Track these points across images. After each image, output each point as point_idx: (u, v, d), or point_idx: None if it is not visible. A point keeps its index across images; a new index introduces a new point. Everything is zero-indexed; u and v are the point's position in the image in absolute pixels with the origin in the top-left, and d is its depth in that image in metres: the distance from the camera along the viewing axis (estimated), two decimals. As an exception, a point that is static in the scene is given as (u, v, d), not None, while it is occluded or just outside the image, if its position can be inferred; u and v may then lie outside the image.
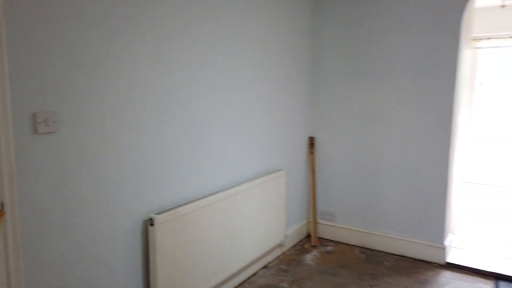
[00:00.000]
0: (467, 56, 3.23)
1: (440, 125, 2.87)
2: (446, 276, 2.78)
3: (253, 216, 2.64)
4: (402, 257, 3.08)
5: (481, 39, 4.96)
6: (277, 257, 3.06)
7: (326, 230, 3.45)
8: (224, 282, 2.49)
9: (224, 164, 2.46)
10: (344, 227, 3.36)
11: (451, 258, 2.98)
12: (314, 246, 3.29)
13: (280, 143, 3.03)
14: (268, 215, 2.80)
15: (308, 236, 3.49)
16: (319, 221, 3.48)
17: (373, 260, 3.03)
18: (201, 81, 2.23)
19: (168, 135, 2.04)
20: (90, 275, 1.72)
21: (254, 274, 2.78)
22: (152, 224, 1.89)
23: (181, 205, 2.08)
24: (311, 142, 3.42)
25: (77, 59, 1.59)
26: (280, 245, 3.07)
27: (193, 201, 2.17)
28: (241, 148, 2.60)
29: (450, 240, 3.11)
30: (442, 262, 2.94)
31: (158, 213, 1.94)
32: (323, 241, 3.41)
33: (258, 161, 2.78)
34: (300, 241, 3.39)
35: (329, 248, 3.26)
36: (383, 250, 3.18)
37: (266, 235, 2.80)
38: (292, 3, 3.01)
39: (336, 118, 3.32)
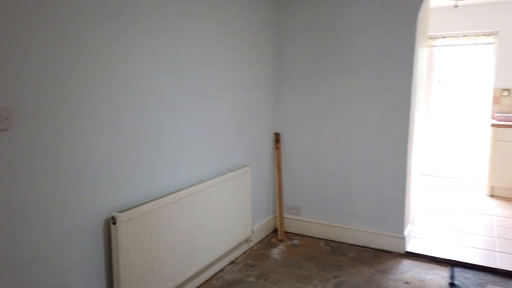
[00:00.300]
0: (423, 54, 3.38)
1: (398, 121, 2.98)
2: (406, 264, 2.91)
3: (219, 212, 2.64)
4: (364, 248, 3.18)
5: (437, 37, 5.19)
6: (244, 252, 3.08)
7: (293, 224, 3.50)
8: (191, 279, 2.48)
9: (189, 160, 2.44)
10: (310, 221, 3.43)
11: (410, 247, 3.12)
12: (281, 240, 3.33)
13: (245, 139, 3.04)
14: (234, 211, 2.81)
15: (275, 230, 3.54)
16: (286, 215, 3.53)
17: (337, 251, 3.12)
18: (165, 78, 2.20)
19: (130, 131, 2.01)
20: (47, 277, 1.66)
21: (221, 270, 2.79)
22: (114, 223, 1.85)
23: (145, 203, 2.05)
24: (277, 138, 3.46)
25: (32, 53, 1.53)
26: (247, 240, 3.09)
27: (157, 198, 2.14)
28: (206, 145, 2.59)
29: (409, 230, 3.25)
30: (402, 252, 3.07)
31: (121, 211, 1.90)
32: (289, 235, 3.46)
33: (223, 157, 2.78)
34: (267, 236, 3.42)
35: (295, 241, 3.32)
36: (347, 241, 3.27)
37: (232, 230, 2.81)
38: (256, 4, 3.03)
39: (300, 114, 3.37)
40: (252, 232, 3.13)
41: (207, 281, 2.64)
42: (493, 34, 4.87)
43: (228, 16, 2.71)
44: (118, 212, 1.89)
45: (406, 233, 3.10)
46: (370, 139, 3.11)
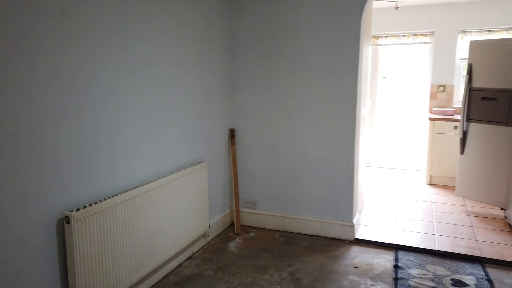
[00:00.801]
0: (368, 52, 3.59)
1: (346, 116, 3.15)
2: (355, 250, 3.09)
3: (175, 209, 2.65)
4: (317, 236, 3.34)
5: (380, 36, 5.49)
6: (202, 247, 3.11)
7: (249, 217, 3.58)
8: (149, 275, 2.47)
9: (144, 157, 2.43)
10: (266, 214, 3.53)
11: (359, 235, 3.32)
12: (238, 234, 3.40)
13: (201, 136, 3.07)
14: (191, 207, 2.83)
15: (232, 224, 3.60)
16: (242, 209, 3.60)
17: (292, 242, 3.24)
18: (116, 75, 2.17)
19: (82, 128, 1.97)
20: (-1, 280, 1.60)
21: (179, 265, 2.80)
22: (68, 222, 1.82)
23: (99, 201, 2.02)
24: (232, 133, 3.51)
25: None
26: (204, 235, 3.13)
27: (112, 196, 2.12)
28: (162, 142, 2.59)
29: (358, 219, 3.45)
30: (351, 239, 3.25)
31: (74, 210, 1.86)
32: (246, 228, 3.54)
33: (180, 153, 2.79)
34: (224, 230, 3.48)
35: (252, 234, 3.40)
36: (301, 232, 3.41)
37: (189, 226, 2.83)
38: (210, 4, 3.06)
39: (255, 110, 3.45)
40: (209, 227, 3.17)
41: (165, 277, 2.64)
42: (429, 34, 5.26)
43: (182, 15, 2.71)
44: (72, 211, 1.86)
45: (355, 221, 3.29)
46: (320, 133, 3.26)
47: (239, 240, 3.27)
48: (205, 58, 3.06)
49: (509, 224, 3.46)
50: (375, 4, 5.04)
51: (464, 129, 3.89)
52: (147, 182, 2.40)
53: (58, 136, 1.83)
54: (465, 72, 5.23)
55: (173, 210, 2.62)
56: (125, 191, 2.22)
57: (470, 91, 3.82)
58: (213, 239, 3.28)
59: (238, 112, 3.51)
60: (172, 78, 2.67)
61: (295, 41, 3.23)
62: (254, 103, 3.44)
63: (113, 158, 2.17)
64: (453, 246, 3.08)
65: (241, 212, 3.60)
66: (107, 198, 2.07)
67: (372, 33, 5.34)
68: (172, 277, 2.65)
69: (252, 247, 3.13)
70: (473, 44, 3.80)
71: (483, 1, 4.88)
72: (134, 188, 2.28)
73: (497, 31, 4.92)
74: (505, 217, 3.61)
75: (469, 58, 3.82)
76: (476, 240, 3.18)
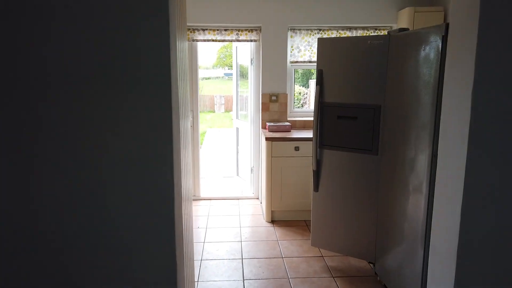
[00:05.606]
0: (184, 49, 2.13)
1: (156, 154, 1.61)
2: None
3: None
4: None
5: (197, 29, 4.16)
6: None
7: None
8: None
9: None
10: None
11: None
12: None
13: None
14: None
15: None
16: None
17: None
18: None
19: None
20: None
21: None
22: None
23: None
24: None
25: None
26: None
27: None
28: None
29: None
30: None
31: None
32: None
33: None
34: None
35: None
36: None
37: None
38: None
39: None
40: None
41: None
42: (256, 29, 4.21)
43: None
44: None
45: None
46: (108, 194, 1.62)
47: None
48: None
49: (385, 286, 2.62)
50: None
51: (318, 157, 2.89)
52: None
53: None
54: (295, 78, 4.43)
55: None
56: None
57: (322, 107, 2.83)
58: None
59: None
60: None
61: (58, 32, 1.48)
62: None
63: None
64: None
65: None
66: None
67: (188, 25, 3.93)
68: None
69: None
70: (321, 42, 2.82)
71: (312, -7, 4.09)
72: None
73: (327, 29, 4.24)
74: (376, 273, 2.77)
75: (319, 63, 2.82)
76: (363, 336, 2.16)
